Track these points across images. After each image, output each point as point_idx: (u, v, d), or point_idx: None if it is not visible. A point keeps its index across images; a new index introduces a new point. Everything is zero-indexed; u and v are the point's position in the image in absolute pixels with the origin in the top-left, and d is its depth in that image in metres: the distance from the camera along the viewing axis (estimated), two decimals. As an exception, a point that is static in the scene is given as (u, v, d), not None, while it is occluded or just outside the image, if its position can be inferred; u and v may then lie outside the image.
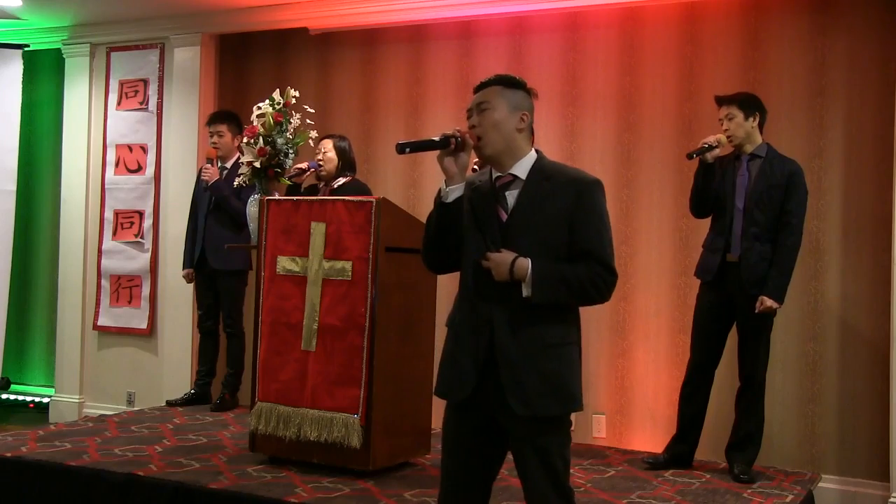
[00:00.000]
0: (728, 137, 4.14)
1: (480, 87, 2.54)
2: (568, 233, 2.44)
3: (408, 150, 2.51)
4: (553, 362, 2.44)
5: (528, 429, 2.45)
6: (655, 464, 4.26)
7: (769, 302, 4.02)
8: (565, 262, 2.45)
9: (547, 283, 2.41)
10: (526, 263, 2.40)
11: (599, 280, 2.45)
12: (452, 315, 2.60)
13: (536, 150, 2.56)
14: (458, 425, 2.54)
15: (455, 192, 2.48)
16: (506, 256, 2.42)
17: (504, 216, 2.49)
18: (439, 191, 2.51)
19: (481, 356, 2.46)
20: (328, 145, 4.90)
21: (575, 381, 2.49)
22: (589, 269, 2.44)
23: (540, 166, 2.51)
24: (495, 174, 2.54)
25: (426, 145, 2.52)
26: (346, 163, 4.93)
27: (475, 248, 2.50)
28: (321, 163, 4.87)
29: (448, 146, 2.47)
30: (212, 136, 5.48)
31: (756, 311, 4.03)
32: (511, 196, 2.50)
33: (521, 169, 2.51)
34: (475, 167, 4.07)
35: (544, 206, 2.46)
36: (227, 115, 5.54)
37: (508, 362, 2.43)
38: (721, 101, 4.19)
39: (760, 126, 4.18)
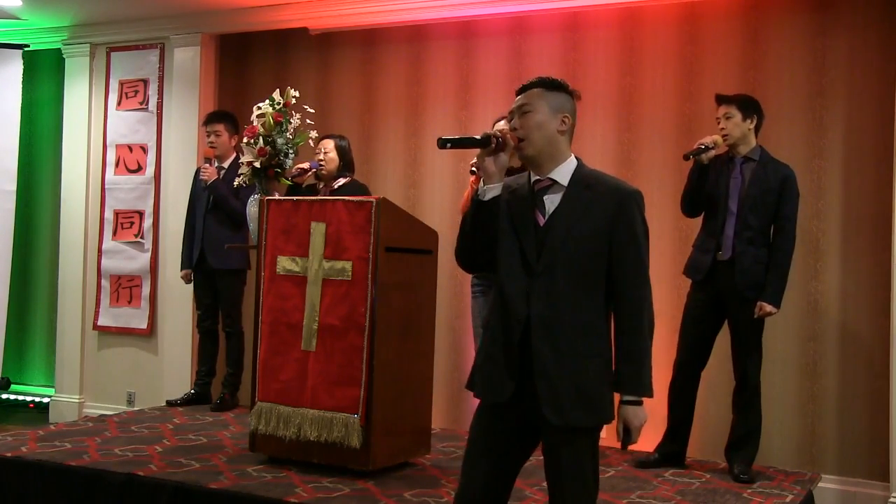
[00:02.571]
0: (724, 137, 4.15)
1: (522, 90, 2.54)
2: (607, 244, 2.45)
3: (449, 145, 2.51)
4: (587, 374, 2.44)
5: (560, 436, 2.46)
6: (647, 463, 4.28)
7: (768, 307, 4.04)
8: (606, 285, 2.47)
9: (646, 378, 2.46)
10: (637, 400, 2.45)
11: (645, 307, 2.47)
12: (487, 317, 2.60)
13: (577, 158, 2.55)
14: (491, 426, 2.53)
15: (492, 191, 2.48)
16: (637, 415, 2.46)
17: (542, 220, 2.48)
18: (476, 189, 2.51)
19: (516, 358, 2.47)
20: (329, 145, 4.90)
21: (607, 392, 2.49)
22: (629, 319, 2.45)
23: (580, 175, 2.50)
24: (534, 177, 2.53)
25: (467, 142, 2.53)
26: (347, 163, 4.94)
27: (510, 251, 2.50)
28: (322, 163, 4.87)
29: (489, 145, 2.48)
30: (209, 136, 5.49)
31: (755, 316, 4.05)
32: (549, 200, 2.49)
33: (561, 175, 2.49)
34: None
35: (584, 216, 2.45)
36: (223, 115, 5.55)
37: (544, 372, 2.43)
38: (721, 99, 4.20)
39: (756, 130, 4.19)
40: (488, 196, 2.48)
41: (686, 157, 4.17)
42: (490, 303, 2.61)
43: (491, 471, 2.52)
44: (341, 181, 4.86)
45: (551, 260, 2.44)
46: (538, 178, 2.52)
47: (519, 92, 2.55)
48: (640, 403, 2.45)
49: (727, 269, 4.09)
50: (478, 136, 2.49)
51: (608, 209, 2.45)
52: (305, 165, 4.87)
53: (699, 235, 4.28)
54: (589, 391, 2.44)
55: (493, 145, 2.47)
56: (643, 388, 2.46)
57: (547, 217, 2.48)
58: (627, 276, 2.46)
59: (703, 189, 4.17)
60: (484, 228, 2.52)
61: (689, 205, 4.26)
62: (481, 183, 2.51)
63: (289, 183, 4.73)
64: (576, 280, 2.44)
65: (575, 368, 2.42)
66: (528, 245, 2.47)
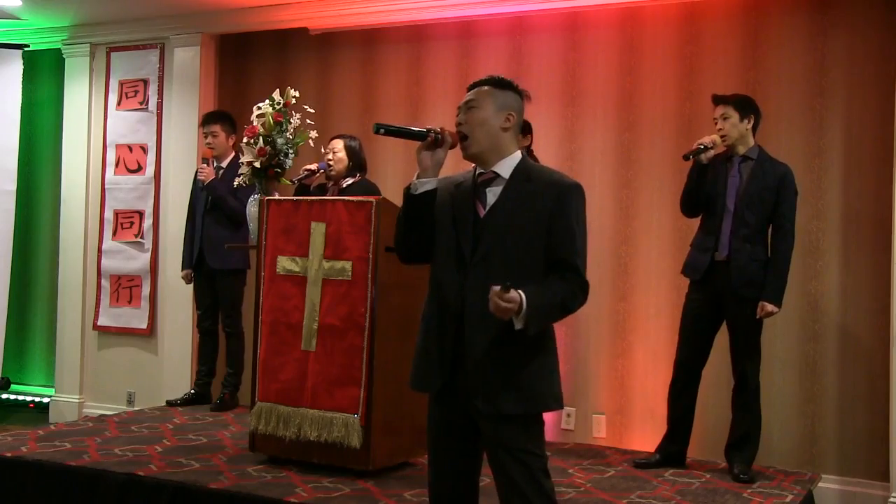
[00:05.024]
0: (722, 137, 4.16)
1: (472, 87, 2.58)
2: (545, 234, 2.46)
3: (382, 131, 2.53)
4: (521, 363, 2.44)
5: (496, 428, 2.46)
6: (647, 464, 4.28)
7: (770, 307, 4.04)
8: (543, 277, 2.45)
9: (538, 313, 2.39)
10: (521, 300, 2.35)
11: (577, 289, 2.47)
12: (424, 309, 2.63)
13: (522, 152, 2.59)
14: (437, 417, 2.59)
15: (424, 185, 2.51)
16: (514, 298, 2.31)
17: (482, 212, 2.52)
18: (409, 183, 2.53)
19: (450, 349, 2.49)
20: (338, 145, 4.85)
21: (543, 381, 2.48)
22: (565, 282, 2.45)
23: (523, 167, 2.54)
24: (478, 171, 2.57)
25: (403, 132, 2.56)
26: (357, 163, 4.89)
27: (446, 243, 2.53)
28: (331, 163, 4.83)
29: (426, 139, 2.50)
30: (206, 137, 5.50)
31: (758, 316, 4.05)
32: (491, 193, 2.52)
33: (504, 168, 2.53)
34: None
35: (524, 207, 2.48)
36: (220, 116, 5.55)
37: (476, 361, 2.45)
38: (717, 100, 4.21)
39: (754, 129, 4.20)
40: (419, 190, 2.51)
41: (686, 158, 4.18)
42: (426, 296, 2.62)
43: (444, 461, 2.60)
44: (350, 180, 4.82)
45: (487, 250, 2.46)
46: (482, 171, 2.55)
47: (469, 88, 2.58)
48: (521, 316, 2.34)
49: (724, 268, 4.10)
50: (417, 129, 2.52)
51: (547, 201, 2.47)
52: (313, 167, 4.83)
53: (697, 234, 4.29)
54: (522, 380, 2.44)
55: (431, 139, 2.50)
56: (532, 319, 2.36)
57: (487, 209, 2.51)
58: (560, 263, 2.45)
59: (702, 189, 4.18)
60: (417, 222, 2.54)
61: (688, 205, 4.27)
62: (415, 177, 2.53)
63: (289, 183, 4.73)
64: (512, 270, 2.43)
65: (508, 357, 2.43)
66: (464, 237, 2.50)
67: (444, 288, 2.52)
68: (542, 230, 2.45)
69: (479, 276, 2.45)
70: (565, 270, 2.46)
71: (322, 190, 4.88)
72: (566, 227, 2.46)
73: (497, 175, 2.52)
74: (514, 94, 2.57)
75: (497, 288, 2.31)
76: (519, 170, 2.53)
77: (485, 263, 2.46)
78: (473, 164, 2.60)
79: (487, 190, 2.52)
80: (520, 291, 2.33)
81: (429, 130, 2.50)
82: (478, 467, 2.61)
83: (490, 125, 2.51)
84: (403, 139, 2.57)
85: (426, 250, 2.59)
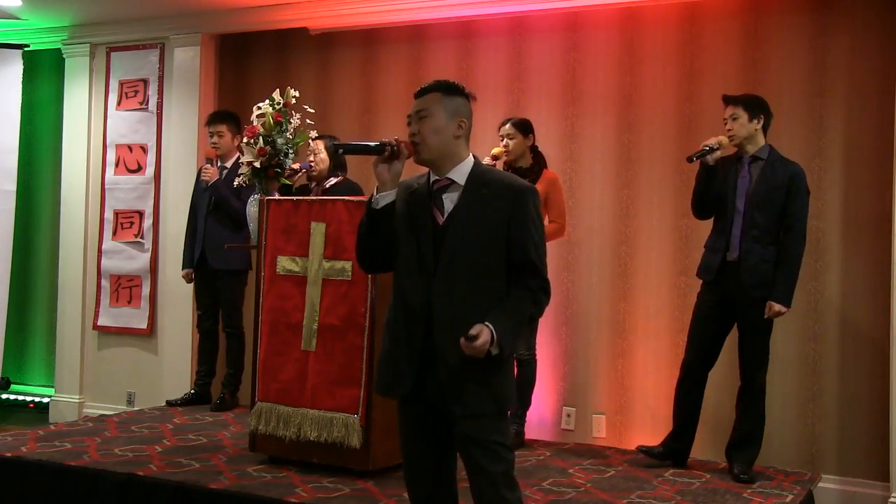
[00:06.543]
0: (730, 137, 4.14)
1: (420, 94, 2.59)
2: (504, 237, 2.51)
3: (341, 151, 2.60)
4: (487, 365, 2.48)
5: (469, 425, 2.51)
6: (650, 453, 4.29)
7: (778, 307, 4.02)
8: (505, 277, 2.53)
9: (509, 336, 2.48)
10: (496, 338, 2.44)
11: (539, 293, 2.55)
12: (388, 316, 2.66)
13: (474, 156, 2.62)
14: (409, 421, 2.62)
15: (385, 199, 2.55)
16: (485, 335, 2.41)
17: (440, 219, 2.54)
18: (370, 196, 2.57)
19: (417, 353, 2.53)
20: (320, 146, 4.89)
21: (506, 382, 2.57)
22: (526, 291, 2.53)
23: (478, 172, 2.58)
24: (433, 178, 2.59)
25: (361, 149, 2.61)
26: (338, 163, 4.93)
27: (408, 251, 2.56)
28: (312, 164, 4.87)
29: (382, 153, 2.53)
30: (211, 137, 5.48)
31: (766, 316, 4.04)
32: (448, 199, 2.56)
33: (459, 174, 2.56)
34: None
35: (482, 212, 2.52)
36: (226, 115, 5.54)
37: (447, 364, 2.49)
38: (727, 100, 4.20)
39: (765, 129, 4.18)
40: (380, 204, 2.55)
41: (690, 160, 4.15)
42: (390, 303, 2.66)
43: (422, 464, 2.62)
44: (332, 180, 4.85)
45: (451, 257, 2.51)
46: (437, 178, 2.58)
47: (417, 95, 2.60)
48: (495, 343, 2.45)
49: (735, 269, 4.09)
50: (372, 143, 2.55)
51: (505, 204, 2.52)
52: (296, 166, 4.86)
53: (710, 236, 4.27)
54: (489, 381, 2.50)
55: (387, 153, 2.53)
56: (505, 341, 2.47)
57: (446, 216, 2.54)
58: (522, 266, 2.52)
59: (711, 191, 4.16)
60: (378, 234, 2.59)
61: (699, 207, 4.25)
62: (374, 190, 2.56)
63: (288, 183, 4.73)
64: (476, 275, 2.51)
65: (476, 362, 2.46)
66: (425, 245, 2.53)
67: (409, 294, 2.56)
68: (501, 233, 2.51)
69: (444, 282, 2.51)
70: (528, 275, 2.53)
71: (305, 190, 4.90)
72: (526, 230, 2.52)
73: (452, 181, 2.56)
74: (463, 99, 2.59)
75: (464, 340, 2.40)
76: (474, 175, 2.56)
77: (449, 269, 2.51)
78: (426, 169, 2.62)
79: (444, 196, 2.56)
80: (488, 324, 2.43)
81: (384, 144, 2.53)
82: (453, 467, 2.65)
83: (444, 133, 2.54)
84: (362, 155, 2.62)
85: (388, 259, 2.63)
